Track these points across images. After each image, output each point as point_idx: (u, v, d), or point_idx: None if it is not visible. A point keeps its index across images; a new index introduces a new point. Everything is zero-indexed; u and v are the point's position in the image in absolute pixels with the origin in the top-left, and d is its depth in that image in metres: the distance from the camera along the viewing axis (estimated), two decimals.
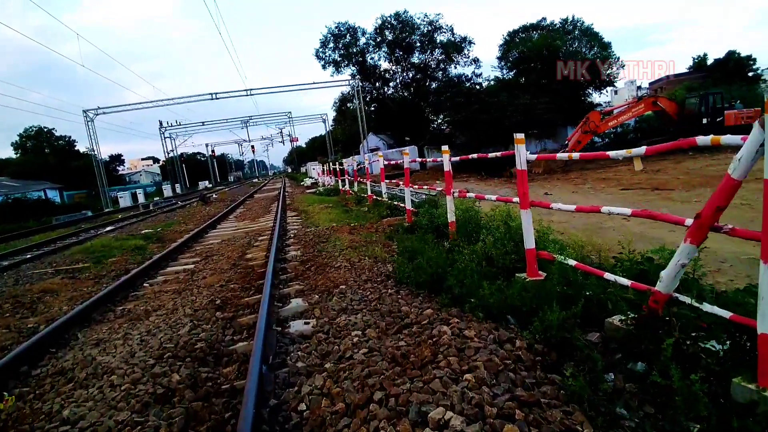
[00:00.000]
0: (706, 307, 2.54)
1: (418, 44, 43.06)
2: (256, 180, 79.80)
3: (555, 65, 30.97)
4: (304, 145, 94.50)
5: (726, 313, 2.43)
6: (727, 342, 2.47)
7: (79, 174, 53.39)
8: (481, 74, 42.80)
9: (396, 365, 2.60)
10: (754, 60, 41.11)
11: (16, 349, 3.85)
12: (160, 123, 51.40)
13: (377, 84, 46.29)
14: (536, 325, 2.84)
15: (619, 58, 35.78)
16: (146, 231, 12.84)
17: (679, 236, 5.72)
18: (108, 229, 15.55)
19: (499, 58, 39.97)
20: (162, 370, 3.18)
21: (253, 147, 66.56)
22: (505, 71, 39.45)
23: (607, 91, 40.87)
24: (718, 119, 21.27)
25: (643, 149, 2.82)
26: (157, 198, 37.72)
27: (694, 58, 47.33)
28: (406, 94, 45.23)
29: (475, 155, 5.70)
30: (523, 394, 2.13)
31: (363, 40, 43.84)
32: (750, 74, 39.78)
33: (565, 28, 39.24)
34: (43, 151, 65.65)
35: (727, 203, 2.26)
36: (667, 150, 2.70)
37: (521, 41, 38.15)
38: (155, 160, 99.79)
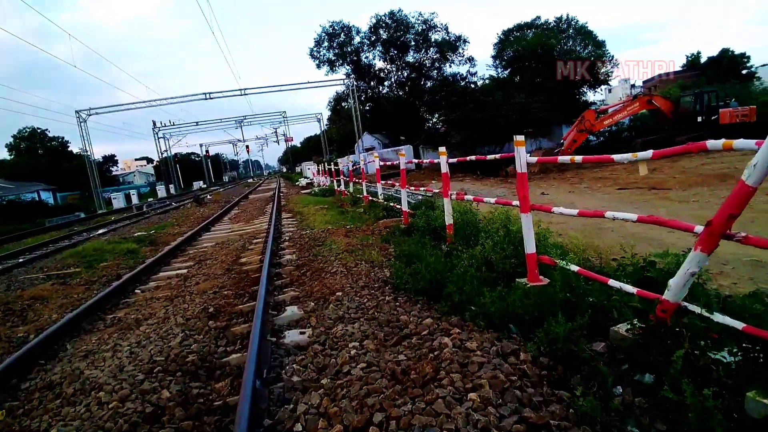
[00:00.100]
0: (717, 317, 2.45)
1: (413, 43, 42.98)
2: (251, 180, 79.36)
3: (550, 64, 31.05)
4: (299, 145, 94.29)
5: (739, 324, 2.34)
6: (739, 354, 2.38)
7: (73, 175, 53.05)
8: (476, 73, 42.90)
9: (396, 383, 2.47)
10: (748, 58, 41.31)
11: (6, 361, 3.73)
12: (154, 123, 51.02)
13: (372, 83, 46.20)
14: (541, 336, 2.73)
15: (613, 57, 35.92)
16: (139, 234, 12.67)
17: (678, 238, 5.69)
18: (100, 231, 15.34)
19: (494, 57, 40.02)
20: (151, 386, 3.04)
21: (247, 147, 66.17)
22: (499, 70, 39.52)
23: (601, 90, 40.97)
24: (713, 117, 21.31)
25: (649, 153, 2.72)
26: (151, 199, 37.48)
27: (687, 57, 47.37)
28: (401, 93, 45.17)
29: (473, 157, 5.59)
30: (531, 416, 2.02)
31: (357, 39, 43.80)
32: (744, 72, 39.93)
33: (559, 26, 39.30)
34: (37, 152, 65.09)
35: (740, 210, 2.16)
36: (675, 154, 2.60)
37: (516, 40, 38.15)
38: (149, 160, 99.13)
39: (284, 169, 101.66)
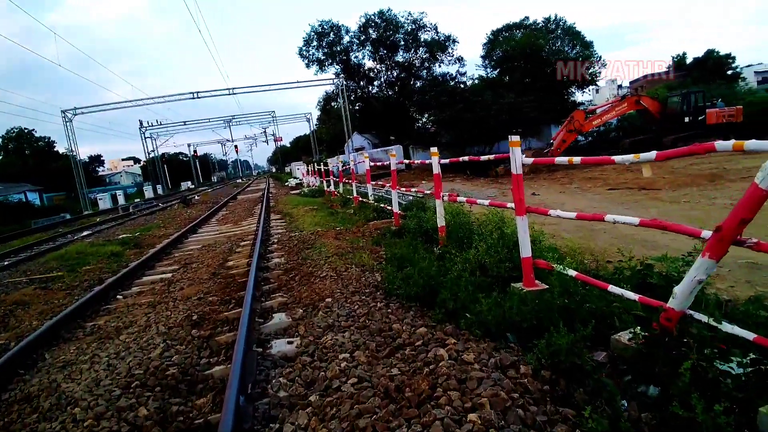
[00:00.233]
0: (726, 327, 2.34)
1: (402, 43, 42.85)
2: (240, 180, 78.60)
3: (538, 64, 31.12)
4: (288, 145, 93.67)
5: (749, 335, 2.23)
6: (749, 366, 2.27)
7: (59, 175, 52.30)
8: (465, 73, 42.94)
9: (390, 401, 2.31)
10: (733, 58, 41.86)
11: None
12: (141, 123, 50.19)
13: (362, 83, 45.98)
14: (541, 348, 2.59)
15: (600, 57, 36.08)
16: (124, 236, 12.36)
17: (672, 239, 5.61)
18: (85, 233, 14.98)
19: (483, 57, 39.95)
20: (128, 402, 2.85)
21: (236, 147, 65.52)
22: (489, 70, 39.46)
23: (589, 90, 41.20)
24: (700, 118, 21.46)
25: (653, 154, 2.61)
26: (138, 200, 36.86)
27: (673, 57, 47.85)
28: (390, 93, 45.01)
29: (465, 158, 5.45)
30: None
31: (347, 38, 43.53)
32: (729, 72, 40.42)
33: (547, 27, 39.37)
34: (24, 152, 64.06)
35: (753, 215, 2.05)
36: (679, 155, 2.49)
37: (505, 40, 38.11)
38: (136, 160, 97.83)
39: (273, 170, 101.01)
